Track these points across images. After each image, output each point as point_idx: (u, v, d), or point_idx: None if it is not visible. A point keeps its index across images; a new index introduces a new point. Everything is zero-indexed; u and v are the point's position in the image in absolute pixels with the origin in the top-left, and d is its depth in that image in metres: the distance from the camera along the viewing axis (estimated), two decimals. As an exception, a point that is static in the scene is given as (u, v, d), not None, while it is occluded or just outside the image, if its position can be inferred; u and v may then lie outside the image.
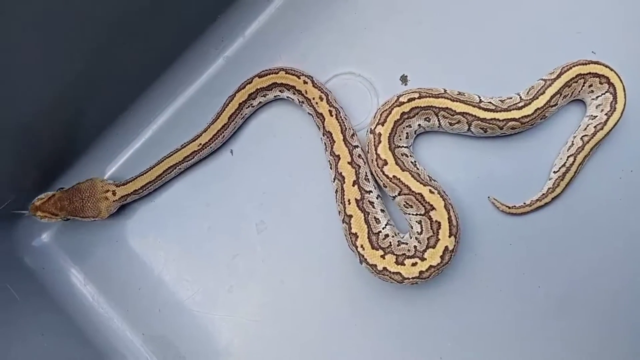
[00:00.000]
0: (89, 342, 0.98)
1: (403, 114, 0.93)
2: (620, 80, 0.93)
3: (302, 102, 1.00)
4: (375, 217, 0.92)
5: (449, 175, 0.98)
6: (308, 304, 0.98)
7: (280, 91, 1.01)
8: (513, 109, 0.93)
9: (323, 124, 0.97)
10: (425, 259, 0.88)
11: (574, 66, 0.94)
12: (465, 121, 0.94)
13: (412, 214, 0.92)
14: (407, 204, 0.91)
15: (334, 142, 0.96)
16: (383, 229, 0.92)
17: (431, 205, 0.89)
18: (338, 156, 0.95)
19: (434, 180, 0.93)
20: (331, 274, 0.98)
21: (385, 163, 0.91)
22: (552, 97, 0.93)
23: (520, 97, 0.96)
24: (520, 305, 0.94)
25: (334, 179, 0.96)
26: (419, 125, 0.95)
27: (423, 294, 0.96)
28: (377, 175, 0.93)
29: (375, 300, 0.96)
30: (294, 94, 1.00)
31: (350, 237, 0.91)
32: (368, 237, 0.90)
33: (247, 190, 1.02)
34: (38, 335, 0.89)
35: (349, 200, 0.92)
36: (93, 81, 0.95)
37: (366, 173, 0.95)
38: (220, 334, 0.99)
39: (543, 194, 0.95)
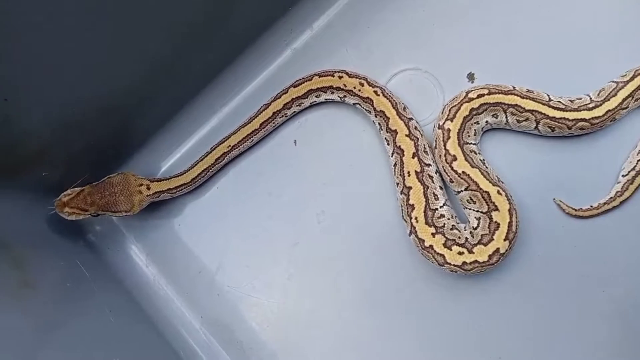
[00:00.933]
0: (150, 321, 1.00)
1: (472, 110, 0.93)
2: (696, 85, 0.91)
3: (344, 96, 1.01)
4: (434, 193, 0.92)
5: (514, 175, 0.97)
6: (366, 295, 0.99)
7: (316, 96, 1.02)
8: (583, 110, 0.92)
9: (373, 105, 0.98)
10: (473, 253, 0.88)
11: (648, 69, 0.93)
12: (534, 119, 0.93)
13: (473, 210, 0.92)
14: (471, 199, 0.91)
15: (388, 118, 0.96)
16: (440, 207, 0.92)
17: (495, 206, 0.89)
18: (395, 131, 0.95)
19: (502, 182, 0.93)
20: (392, 266, 0.98)
21: (455, 159, 0.91)
22: (624, 100, 0.92)
23: (591, 99, 0.94)
24: (582, 308, 0.93)
25: (392, 154, 0.96)
26: (487, 122, 0.95)
27: (485, 292, 0.95)
28: (445, 171, 0.93)
29: (436, 294, 0.96)
30: (332, 92, 1.01)
31: (407, 208, 0.92)
32: (424, 211, 0.91)
33: (309, 181, 1.03)
34: (106, 311, 0.92)
35: (408, 172, 0.93)
36: (161, 72, 0.98)
37: (424, 146, 0.96)
38: (278, 321, 1.00)
39: (611, 197, 0.93)
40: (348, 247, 1.00)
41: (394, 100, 0.98)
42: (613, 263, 0.93)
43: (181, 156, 1.09)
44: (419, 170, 0.93)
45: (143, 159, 1.08)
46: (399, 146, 0.95)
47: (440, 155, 0.93)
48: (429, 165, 0.95)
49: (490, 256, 0.87)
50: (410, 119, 0.97)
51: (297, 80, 1.02)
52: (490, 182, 0.90)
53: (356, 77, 0.99)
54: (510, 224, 0.88)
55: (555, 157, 0.97)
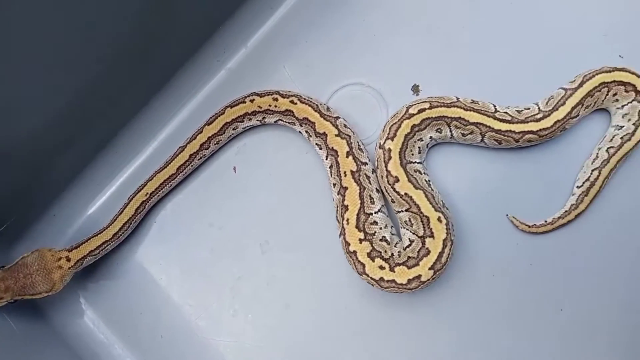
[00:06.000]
0: (88, 370, 0.94)
1: (414, 126, 0.88)
2: (649, 87, 0.87)
3: (263, 117, 0.96)
4: (370, 196, 0.88)
5: (463, 189, 0.92)
6: (314, 328, 0.93)
7: (233, 129, 0.97)
8: (530, 121, 0.87)
9: (294, 115, 0.93)
10: (394, 272, 0.83)
11: (597, 74, 0.88)
12: (479, 132, 0.88)
13: (409, 231, 0.87)
14: (410, 221, 0.86)
15: (314, 123, 0.92)
16: (375, 213, 0.88)
17: (431, 233, 0.84)
18: (324, 134, 0.91)
19: (447, 208, 0.87)
20: (338, 295, 0.93)
21: (397, 180, 0.86)
22: (573, 109, 0.87)
23: (539, 108, 0.90)
24: (542, 329, 0.88)
25: (327, 157, 0.92)
26: (431, 137, 0.90)
27: (437, 313, 0.90)
28: (387, 192, 0.88)
29: (384, 319, 0.91)
30: (249, 119, 0.96)
31: (341, 209, 0.88)
32: (357, 214, 0.87)
33: (252, 209, 0.97)
34: (36, 365, 0.85)
35: (344, 172, 0.89)
36: (87, 102, 0.91)
37: (358, 143, 0.92)
38: (227, 361, 0.95)
39: (565, 211, 0.89)
40: (294, 278, 0.95)
41: (314, 103, 0.93)
42: (570, 280, 0.88)
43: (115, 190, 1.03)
44: (354, 169, 0.88)
45: (73, 196, 1.01)
46: (332, 147, 0.90)
47: (382, 176, 0.88)
48: (365, 163, 0.90)
49: (410, 280, 0.83)
50: (337, 117, 0.93)
51: (210, 117, 0.96)
52: (433, 206, 0.84)
53: (267, 95, 0.94)
54: (440, 255, 0.83)
55: (507, 170, 0.92)
